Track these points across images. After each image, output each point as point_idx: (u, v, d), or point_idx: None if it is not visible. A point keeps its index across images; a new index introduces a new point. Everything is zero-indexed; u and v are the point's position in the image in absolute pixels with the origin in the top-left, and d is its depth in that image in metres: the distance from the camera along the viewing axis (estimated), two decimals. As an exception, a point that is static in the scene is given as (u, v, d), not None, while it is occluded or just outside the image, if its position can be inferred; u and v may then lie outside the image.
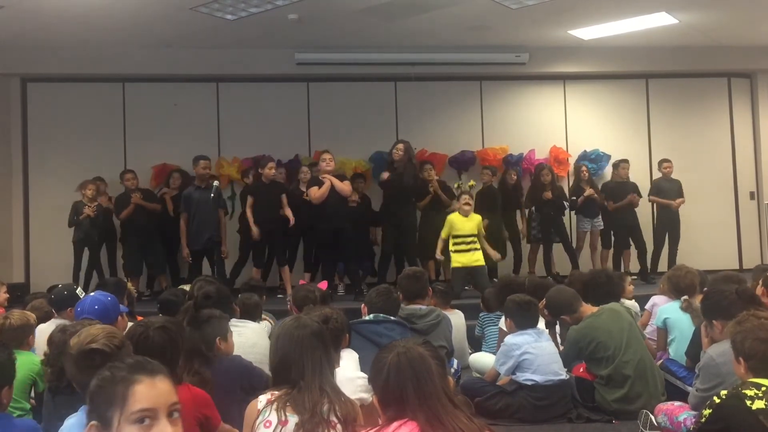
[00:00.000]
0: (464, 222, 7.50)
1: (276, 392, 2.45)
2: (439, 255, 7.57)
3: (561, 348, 4.71)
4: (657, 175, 9.42)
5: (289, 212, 7.55)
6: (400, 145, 7.91)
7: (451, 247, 7.44)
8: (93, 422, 1.77)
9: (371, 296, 4.35)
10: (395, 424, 1.94)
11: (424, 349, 2.07)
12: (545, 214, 8.62)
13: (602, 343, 4.33)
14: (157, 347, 2.70)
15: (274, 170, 7.68)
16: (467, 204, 7.57)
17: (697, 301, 4.66)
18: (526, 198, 8.93)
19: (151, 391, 1.76)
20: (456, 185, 8.53)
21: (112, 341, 2.42)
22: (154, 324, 2.85)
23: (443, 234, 7.49)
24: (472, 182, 8.70)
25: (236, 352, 3.59)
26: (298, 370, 2.45)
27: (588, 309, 4.58)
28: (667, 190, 8.93)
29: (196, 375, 3.13)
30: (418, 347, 2.07)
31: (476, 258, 7.41)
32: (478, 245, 7.45)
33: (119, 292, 4.53)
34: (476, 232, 7.51)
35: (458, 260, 7.40)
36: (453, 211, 7.84)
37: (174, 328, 2.87)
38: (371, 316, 4.20)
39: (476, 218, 7.62)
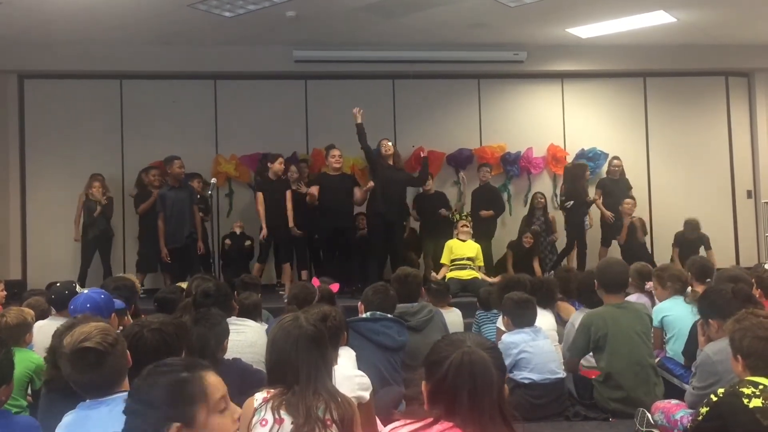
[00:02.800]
0: (462, 246, 7.84)
1: (272, 390, 2.44)
2: (438, 276, 7.70)
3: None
4: (654, 173, 9.42)
5: (290, 212, 7.63)
6: (389, 143, 7.97)
7: (449, 267, 7.77)
8: (176, 424, 1.83)
9: (367, 294, 4.35)
10: (439, 426, 1.86)
11: (489, 356, 1.92)
12: (576, 214, 8.70)
13: (609, 335, 4.30)
14: (151, 348, 2.67)
15: (283, 165, 7.77)
16: (465, 227, 7.97)
17: (698, 288, 4.68)
18: (565, 194, 8.92)
19: (218, 381, 1.95)
20: (451, 215, 8.58)
21: (106, 339, 2.40)
22: (151, 324, 2.81)
23: (444, 259, 7.82)
24: (466, 212, 8.73)
25: (234, 350, 3.57)
26: (293, 374, 2.42)
27: (612, 299, 4.52)
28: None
29: None
30: (482, 351, 1.92)
31: (471, 274, 7.67)
32: (474, 267, 7.75)
33: (131, 297, 4.55)
34: (473, 256, 7.79)
35: (454, 275, 7.62)
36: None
37: (171, 330, 2.82)
38: (368, 314, 4.20)
39: (474, 245, 7.91)
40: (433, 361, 1.95)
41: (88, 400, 2.40)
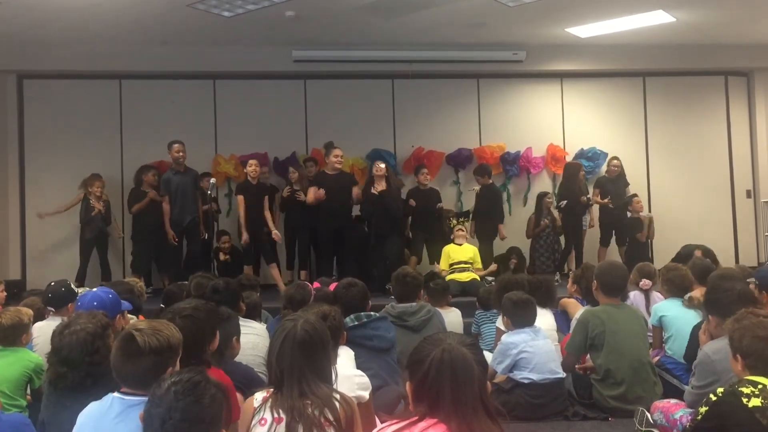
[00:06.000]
0: (458, 250, 7.87)
1: (272, 390, 2.44)
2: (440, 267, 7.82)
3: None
4: (654, 172, 9.37)
5: (268, 216, 7.62)
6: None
7: (448, 272, 7.75)
8: None
9: (338, 294, 4.30)
10: (424, 423, 1.90)
11: (469, 351, 1.97)
12: (573, 212, 8.68)
13: (608, 332, 4.32)
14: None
15: (255, 168, 7.66)
16: (460, 231, 8.04)
17: (698, 293, 4.68)
18: (560, 194, 8.89)
19: None
20: (448, 222, 8.57)
21: (158, 335, 2.45)
22: (183, 311, 2.92)
23: (442, 265, 7.82)
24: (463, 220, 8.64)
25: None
26: (278, 375, 2.43)
27: (609, 300, 4.56)
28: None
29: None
30: (462, 348, 1.97)
31: (470, 276, 7.68)
32: (473, 270, 7.79)
33: (131, 297, 4.55)
34: (470, 260, 7.81)
35: (454, 277, 7.60)
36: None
37: (202, 315, 2.94)
38: (353, 317, 4.07)
39: (471, 248, 7.96)
40: (415, 360, 2.00)
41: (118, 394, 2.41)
